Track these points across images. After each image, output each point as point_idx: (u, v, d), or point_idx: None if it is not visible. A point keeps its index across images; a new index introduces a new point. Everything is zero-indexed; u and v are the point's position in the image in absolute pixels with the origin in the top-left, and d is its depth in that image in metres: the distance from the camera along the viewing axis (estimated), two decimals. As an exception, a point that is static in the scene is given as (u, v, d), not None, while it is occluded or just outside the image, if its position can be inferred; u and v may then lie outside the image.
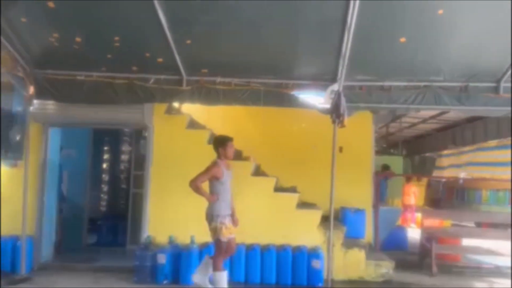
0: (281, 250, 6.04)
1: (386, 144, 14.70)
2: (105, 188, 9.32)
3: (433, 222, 8.29)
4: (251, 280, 5.99)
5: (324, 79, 5.79)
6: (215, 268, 4.91)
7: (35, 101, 6.00)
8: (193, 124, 6.76)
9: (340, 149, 6.78)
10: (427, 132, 12.88)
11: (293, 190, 6.80)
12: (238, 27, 5.01)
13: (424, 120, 10.72)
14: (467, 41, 5.04)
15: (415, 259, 7.57)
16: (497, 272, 7.08)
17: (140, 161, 7.15)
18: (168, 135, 6.46)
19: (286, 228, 6.24)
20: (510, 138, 8.36)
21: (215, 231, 4.84)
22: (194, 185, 4.77)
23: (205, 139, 6.36)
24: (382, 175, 9.55)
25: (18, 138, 5.92)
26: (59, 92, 5.88)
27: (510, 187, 9.65)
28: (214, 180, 4.90)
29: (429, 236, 7.15)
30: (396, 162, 12.34)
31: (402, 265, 6.80)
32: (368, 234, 7.26)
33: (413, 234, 9.43)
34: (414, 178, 12.89)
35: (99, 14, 4.86)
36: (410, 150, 15.43)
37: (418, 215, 11.20)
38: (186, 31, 5.09)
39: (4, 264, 6.08)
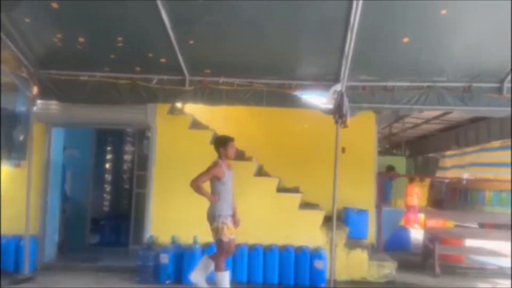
0: (284, 250, 6.04)
1: (389, 144, 14.66)
2: (108, 188, 9.33)
3: (436, 222, 8.28)
4: (253, 280, 5.99)
5: (327, 79, 5.79)
6: (218, 268, 4.90)
7: (39, 101, 6.00)
8: (196, 124, 6.76)
9: (343, 150, 6.73)
10: (430, 133, 12.84)
11: (295, 190, 6.81)
12: (242, 27, 5.01)
13: (427, 121, 10.70)
14: (471, 41, 5.02)
15: (418, 260, 7.54)
16: (500, 273, 7.06)
17: (143, 161, 7.15)
18: (171, 135, 6.46)
19: (288, 228, 6.25)
20: (512, 139, 8.33)
21: (216, 231, 4.83)
22: (195, 185, 4.77)
23: (208, 139, 6.35)
24: (387, 176, 9.52)
25: (21, 138, 5.96)
26: (63, 92, 5.90)
27: (512, 188, 9.60)
28: (215, 180, 4.90)
29: (432, 236, 7.14)
30: (399, 163, 12.27)
31: (405, 265, 6.79)
32: (371, 235, 7.24)
33: (416, 234, 9.39)
34: (417, 178, 12.85)
35: (102, 14, 4.87)
36: (413, 151, 15.39)
37: (421, 216, 11.22)
38: (189, 31, 5.09)
39: (7, 263, 6.11)
